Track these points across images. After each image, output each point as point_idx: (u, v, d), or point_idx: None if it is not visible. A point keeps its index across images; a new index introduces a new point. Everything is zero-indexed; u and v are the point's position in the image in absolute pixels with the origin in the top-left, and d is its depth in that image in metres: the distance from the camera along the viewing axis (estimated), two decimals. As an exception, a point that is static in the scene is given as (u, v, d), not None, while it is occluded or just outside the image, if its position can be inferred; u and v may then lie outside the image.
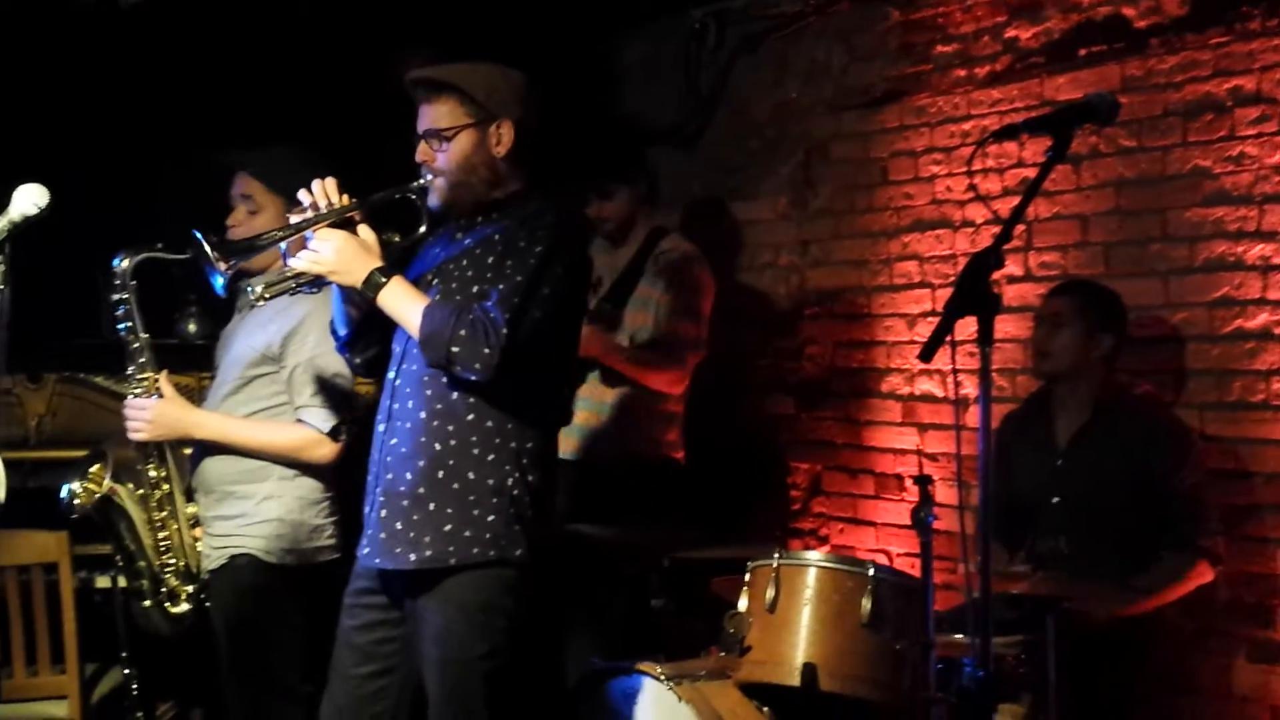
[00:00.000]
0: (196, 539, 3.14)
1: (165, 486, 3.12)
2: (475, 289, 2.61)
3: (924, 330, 4.16)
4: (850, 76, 4.39)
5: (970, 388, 3.74)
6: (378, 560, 2.66)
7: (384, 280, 2.59)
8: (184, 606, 3.10)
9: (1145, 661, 3.24)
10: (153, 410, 3.07)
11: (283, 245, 2.66)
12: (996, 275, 2.17)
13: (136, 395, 3.09)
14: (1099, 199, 3.69)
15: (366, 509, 2.72)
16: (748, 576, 2.90)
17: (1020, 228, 3.77)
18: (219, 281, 2.60)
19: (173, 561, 3.10)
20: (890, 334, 4.27)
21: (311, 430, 3.06)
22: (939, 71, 4.12)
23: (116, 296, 3.05)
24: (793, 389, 4.58)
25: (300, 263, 2.62)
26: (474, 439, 2.60)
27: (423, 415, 2.63)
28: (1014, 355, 3.83)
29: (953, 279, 4.00)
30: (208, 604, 3.11)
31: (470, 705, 2.60)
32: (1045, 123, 2.30)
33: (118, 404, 4.16)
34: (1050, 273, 3.77)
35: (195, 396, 3.58)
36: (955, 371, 2.33)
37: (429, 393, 2.63)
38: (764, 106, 4.68)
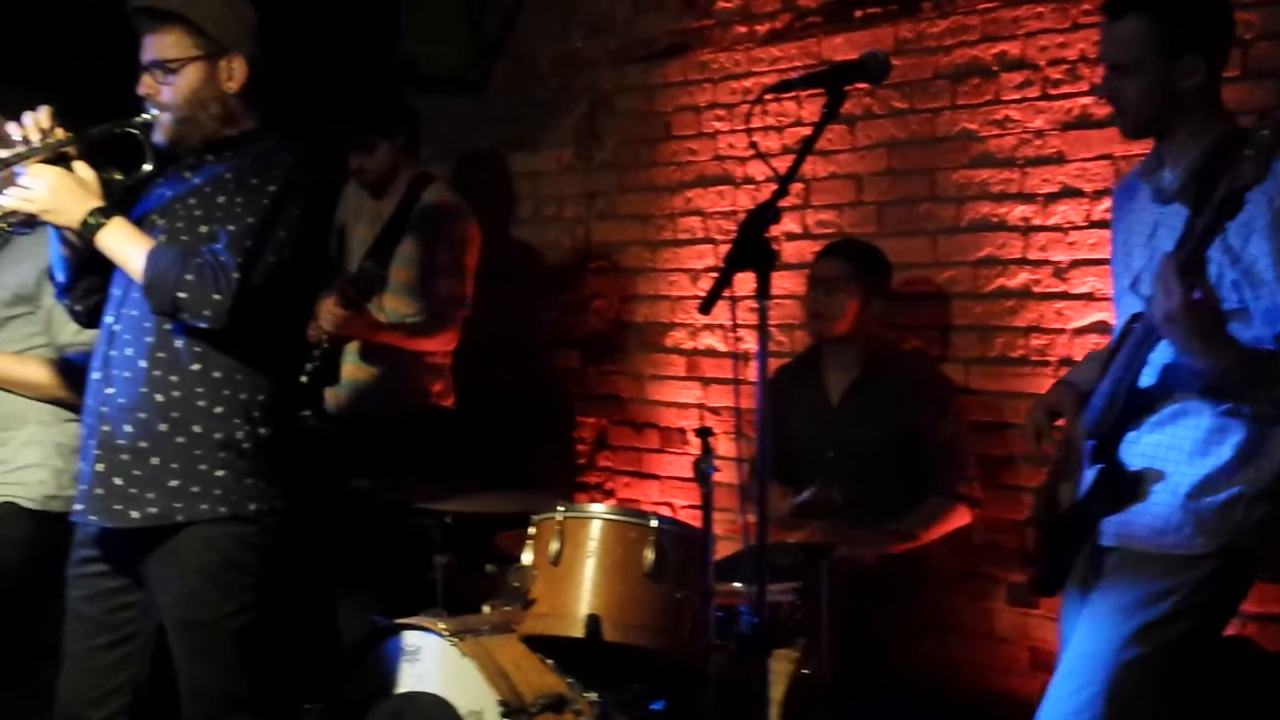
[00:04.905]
0: None
1: None
2: (204, 229, 2.48)
3: (707, 285, 4.16)
4: (635, 28, 4.39)
5: (750, 342, 3.81)
6: (94, 517, 2.51)
7: (103, 220, 2.45)
8: None
9: (912, 605, 3.40)
10: None
11: None
12: (775, 232, 2.20)
13: None
14: (872, 159, 3.80)
15: (81, 464, 2.56)
16: (532, 530, 2.89)
17: (799, 186, 3.85)
18: None
19: None
20: (674, 289, 4.31)
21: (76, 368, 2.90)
22: (721, 27, 4.15)
23: None
24: (578, 343, 4.58)
25: (10, 200, 2.46)
26: (200, 390, 2.48)
27: (143, 364, 2.49)
28: (792, 311, 3.92)
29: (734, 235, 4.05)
30: None
31: (225, 663, 2.53)
32: (818, 79, 2.31)
33: None
34: (827, 230, 3.87)
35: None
36: (735, 326, 2.37)
37: (150, 340, 2.49)
38: (549, 56, 4.63)
